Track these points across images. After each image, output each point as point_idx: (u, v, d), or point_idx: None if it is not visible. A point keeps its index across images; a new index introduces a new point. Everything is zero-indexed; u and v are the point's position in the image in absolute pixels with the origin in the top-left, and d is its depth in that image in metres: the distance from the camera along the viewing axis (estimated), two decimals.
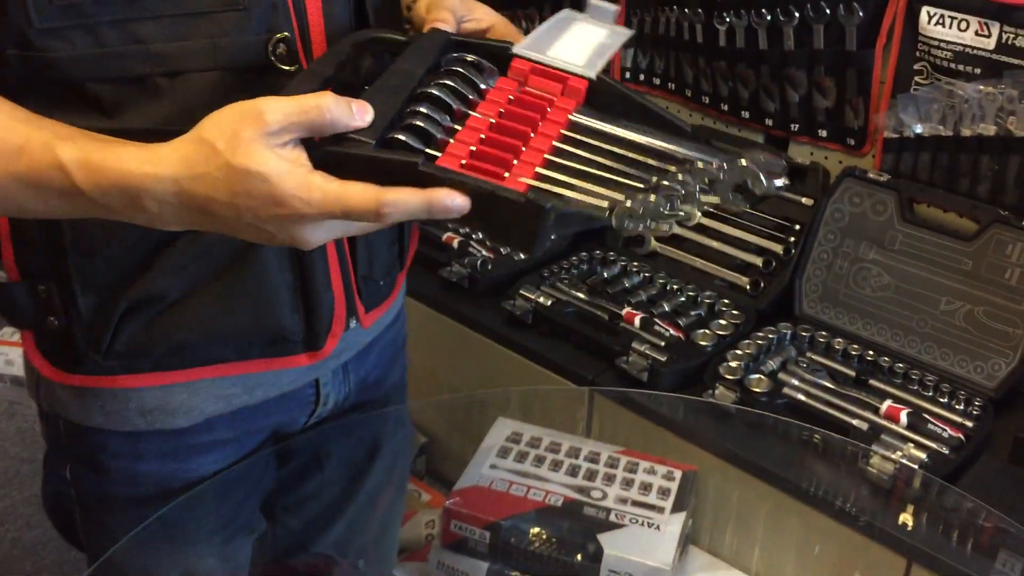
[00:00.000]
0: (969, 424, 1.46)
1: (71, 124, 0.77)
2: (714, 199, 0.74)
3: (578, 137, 0.81)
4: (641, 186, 0.75)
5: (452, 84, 0.82)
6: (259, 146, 0.70)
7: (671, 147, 0.80)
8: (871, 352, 1.61)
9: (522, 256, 1.90)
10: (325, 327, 1.00)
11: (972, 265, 1.55)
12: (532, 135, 0.80)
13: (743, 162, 0.73)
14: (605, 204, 0.73)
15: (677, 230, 1.87)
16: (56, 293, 0.90)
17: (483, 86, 0.84)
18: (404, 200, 0.71)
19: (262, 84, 0.83)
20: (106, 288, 0.90)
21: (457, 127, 0.79)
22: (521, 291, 1.77)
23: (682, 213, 0.73)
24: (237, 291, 0.93)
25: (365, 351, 1.12)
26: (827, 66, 1.66)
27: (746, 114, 1.81)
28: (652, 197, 0.72)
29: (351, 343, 1.08)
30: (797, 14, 1.65)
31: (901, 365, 1.57)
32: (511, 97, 0.84)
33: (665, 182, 0.74)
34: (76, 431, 0.99)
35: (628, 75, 1.97)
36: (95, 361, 0.93)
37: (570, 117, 0.83)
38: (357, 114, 0.73)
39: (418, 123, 0.77)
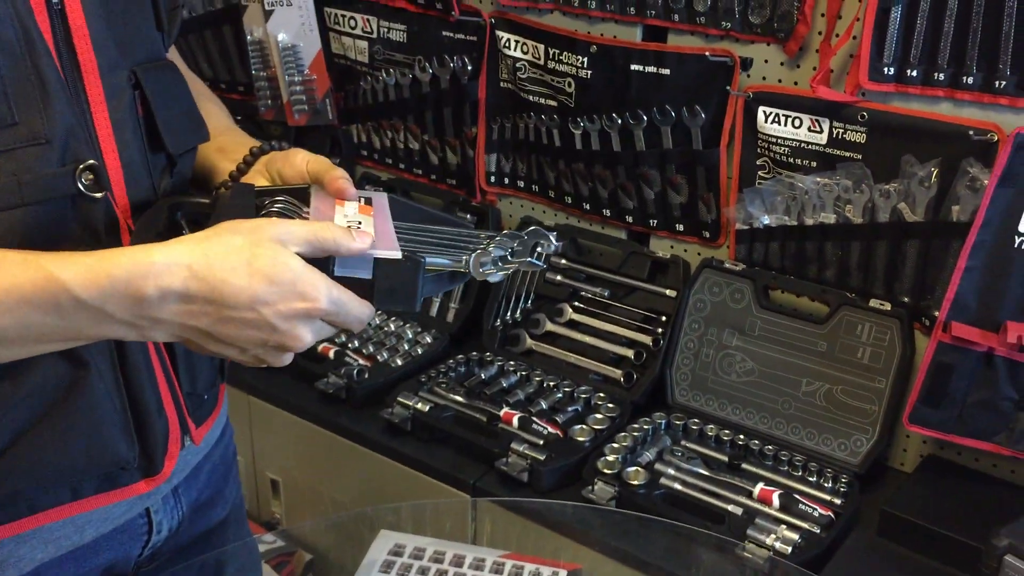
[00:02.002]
0: (838, 501, 1.51)
1: None
2: (526, 259, 0.97)
3: (412, 230, 0.95)
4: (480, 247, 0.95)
5: (286, 207, 0.91)
6: (280, 244, 0.78)
7: (474, 232, 0.99)
8: (742, 436, 1.66)
9: (405, 311, 1.96)
10: (161, 449, 0.99)
11: (827, 347, 1.63)
12: (373, 225, 0.92)
13: (533, 228, 0.98)
14: (462, 259, 0.91)
15: (550, 327, 1.91)
16: None
17: (303, 214, 0.93)
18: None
19: (72, 213, 0.83)
20: None
21: None
22: (399, 398, 1.76)
23: (515, 264, 0.96)
24: (67, 427, 0.90)
25: (194, 472, 1.11)
26: (677, 165, 1.74)
27: (607, 212, 1.87)
28: (491, 247, 0.94)
29: (182, 465, 1.06)
30: (645, 117, 1.73)
31: (771, 447, 1.62)
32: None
33: (493, 244, 0.95)
34: None
35: (492, 179, 2.02)
36: None
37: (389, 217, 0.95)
38: (358, 237, 0.84)
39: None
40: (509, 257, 0.94)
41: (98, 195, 0.86)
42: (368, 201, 0.96)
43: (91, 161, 0.85)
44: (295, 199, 0.93)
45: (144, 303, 0.75)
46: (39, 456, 0.89)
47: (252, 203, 0.91)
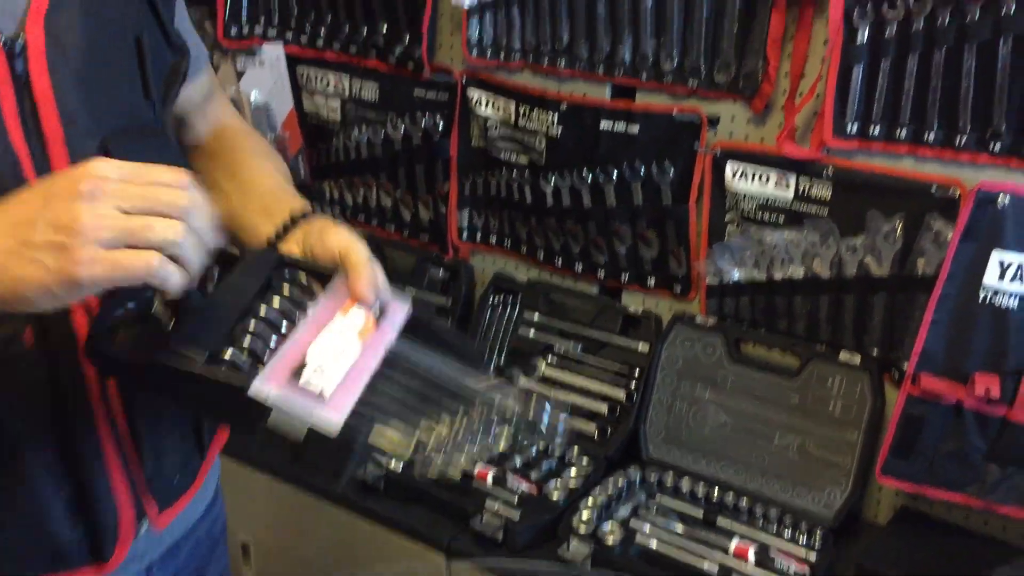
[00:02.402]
0: (812, 556, 1.50)
1: None
2: (507, 431, 0.82)
3: (392, 370, 0.86)
4: (444, 427, 0.84)
5: (281, 304, 0.86)
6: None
7: (469, 385, 0.88)
8: (716, 490, 1.65)
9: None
10: (111, 536, 0.94)
11: (799, 399, 1.64)
12: (354, 362, 0.83)
13: (531, 406, 0.82)
14: (411, 446, 0.78)
15: (524, 382, 1.89)
16: None
17: (309, 304, 0.87)
18: None
19: None
20: None
21: (284, 338, 0.83)
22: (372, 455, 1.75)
23: (475, 449, 0.80)
24: (4, 505, 0.87)
25: (173, 550, 1.06)
26: (647, 220, 1.76)
27: (579, 267, 1.88)
28: (450, 436, 0.80)
29: (150, 545, 1.02)
30: (616, 173, 1.75)
31: (745, 501, 1.62)
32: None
33: (461, 429, 0.81)
34: None
35: (465, 235, 2.02)
36: None
37: (387, 348, 0.87)
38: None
39: (246, 344, 0.81)
40: (491, 438, 0.87)
41: None
42: (381, 314, 0.90)
43: None
44: (311, 283, 0.89)
45: None
46: None
47: (267, 272, 0.87)
